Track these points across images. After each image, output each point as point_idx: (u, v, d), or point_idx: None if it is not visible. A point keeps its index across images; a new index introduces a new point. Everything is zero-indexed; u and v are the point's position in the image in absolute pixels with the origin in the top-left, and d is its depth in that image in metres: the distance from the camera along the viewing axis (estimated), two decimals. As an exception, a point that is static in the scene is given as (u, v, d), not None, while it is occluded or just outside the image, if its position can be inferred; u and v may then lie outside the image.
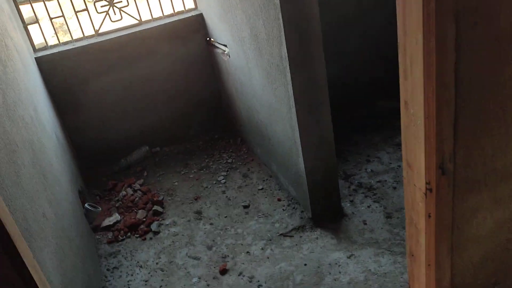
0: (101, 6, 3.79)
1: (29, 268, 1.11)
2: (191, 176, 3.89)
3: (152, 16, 4.05)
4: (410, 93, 1.46)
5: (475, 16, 1.29)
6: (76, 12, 3.75)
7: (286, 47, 2.46)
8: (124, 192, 3.72)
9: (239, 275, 2.74)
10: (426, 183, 1.54)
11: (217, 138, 4.37)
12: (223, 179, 3.73)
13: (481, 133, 1.51)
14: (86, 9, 3.76)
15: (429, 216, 1.60)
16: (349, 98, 3.95)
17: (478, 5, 1.28)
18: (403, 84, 1.48)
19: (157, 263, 2.98)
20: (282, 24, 2.41)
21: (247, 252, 2.91)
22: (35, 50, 3.77)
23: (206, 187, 3.69)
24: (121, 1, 3.81)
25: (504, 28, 1.35)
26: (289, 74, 2.52)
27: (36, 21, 3.68)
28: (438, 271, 1.72)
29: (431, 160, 1.49)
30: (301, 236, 2.94)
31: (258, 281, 2.67)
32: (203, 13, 4.04)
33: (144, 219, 3.40)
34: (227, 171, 3.84)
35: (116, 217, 3.45)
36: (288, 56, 2.48)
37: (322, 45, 2.54)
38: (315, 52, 2.53)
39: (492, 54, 1.38)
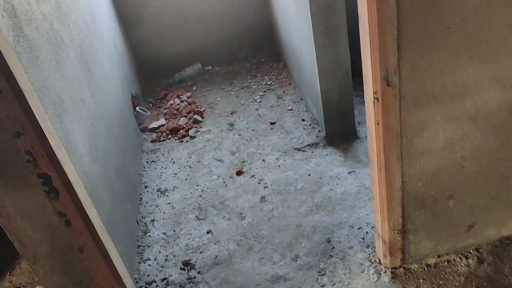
0: None
1: (37, 117, 1.54)
2: (233, 93, 4.25)
3: None
4: (361, 10, 1.64)
5: None
6: None
7: (305, -30, 2.63)
8: (172, 102, 4.20)
9: (251, 177, 3.12)
10: (374, 93, 1.75)
11: (263, 62, 4.65)
12: (259, 98, 4.05)
13: (426, 51, 1.66)
14: None
15: (378, 124, 1.81)
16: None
17: None
18: (358, 3, 1.66)
19: (187, 161, 3.45)
20: None
21: (263, 160, 3.26)
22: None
23: (243, 104, 4.04)
24: None
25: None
26: (307, -4, 2.71)
27: None
28: (388, 176, 1.94)
29: (376, 72, 1.69)
30: (312, 152, 3.23)
31: (266, 183, 3.03)
32: None
33: (185, 125, 3.86)
34: (265, 91, 4.14)
35: (161, 121, 3.95)
36: (306, -21, 2.65)
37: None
38: (333, -23, 2.67)
39: (435, -25, 1.51)
